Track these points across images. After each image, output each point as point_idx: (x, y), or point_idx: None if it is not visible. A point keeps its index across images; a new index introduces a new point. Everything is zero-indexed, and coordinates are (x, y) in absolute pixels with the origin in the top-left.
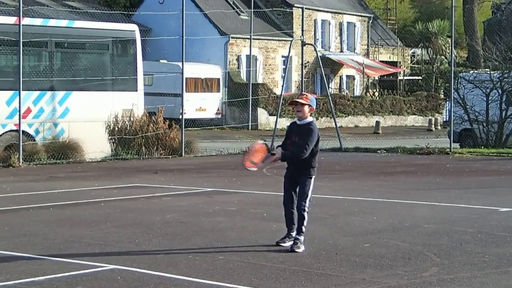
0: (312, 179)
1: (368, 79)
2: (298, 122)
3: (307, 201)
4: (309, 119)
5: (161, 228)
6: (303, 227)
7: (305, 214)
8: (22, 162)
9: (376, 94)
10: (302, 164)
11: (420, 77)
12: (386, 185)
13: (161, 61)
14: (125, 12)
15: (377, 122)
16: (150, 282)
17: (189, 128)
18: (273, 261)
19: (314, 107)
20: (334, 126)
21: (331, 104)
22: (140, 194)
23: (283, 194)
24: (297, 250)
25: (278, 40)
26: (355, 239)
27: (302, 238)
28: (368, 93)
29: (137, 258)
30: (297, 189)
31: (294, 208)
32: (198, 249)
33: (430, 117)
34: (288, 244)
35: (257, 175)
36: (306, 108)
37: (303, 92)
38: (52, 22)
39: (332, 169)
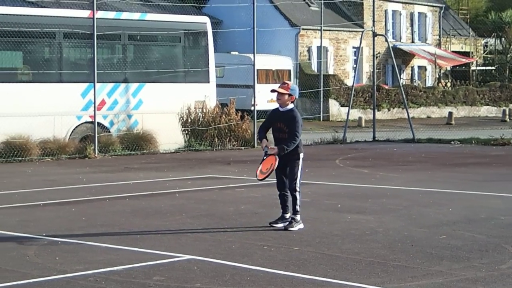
0: (300, 159)
1: (440, 70)
2: (280, 109)
3: (298, 181)
4: (290, 106)
5: (235, 219)
6: (298, 207)
7: (297, 194)
8: (98, 153)
9: (449, 84)
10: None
11: (493, 68)
12: (460, 176)
13: (232, 53)
14: (196, 5)
15: (450, 113)
16: (226, 272)
17: (261, 120)
18: (348, 252)
19: (296, 96)
20: (407, 117)
21: (403, 95)
22: (214, 185)
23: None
24: (291, 229)
25: (349, 31)
26: (430, 231)
27: (298, 217)
28: (440, 84)
29: (212, 248)
30: (287, 172)
31: (286, 191)
32: (273, 240)
33: (504, 107)
34: (281, 225)
35: (330, 167)
36: (286, 97)
37: (286, 81)
38: (125, 15)
39: (405, 161)
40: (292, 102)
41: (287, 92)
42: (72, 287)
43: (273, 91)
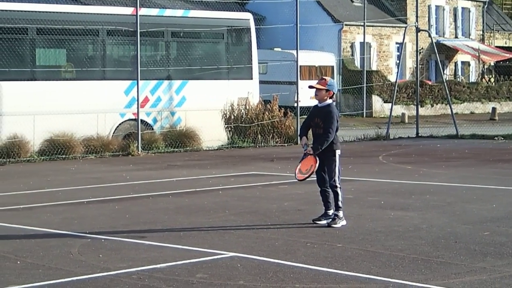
0: (337, 156)
1: (483, 65)
2: (318, 105)
3: (337, 178)
4: (328, 101)
5: (279, 216)
6: (340, 203)
7: (338, 190)
8: (141, 151)
9: (492, 80)
10: None
11: None
12: (504, 172)
13: (275, 49)
14: (239, 1)
15: (494, 109)
16: (269, 269)
17: (304, 116)
18: (391, 249)
19: (334, 91)
20: (450, 113)
21: (447, 91)
22: (257, 182)
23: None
24: (334, 225)
25: (392, 26)
26: (474, 227)
27: (340, 213)
28: (483, 79)
29: (255, 246)
30: (325, 169)
31: (327, 187)
32: (316, 236)
33: None
34: (324, 222)
35: (373, 163)
36: (324, 92)
37: (324, 77)
38: (168, 12)
39: (448, 157)
40: (330, 97)
41: (324, 88)
42: (115, 284)
43: (310, 87)
